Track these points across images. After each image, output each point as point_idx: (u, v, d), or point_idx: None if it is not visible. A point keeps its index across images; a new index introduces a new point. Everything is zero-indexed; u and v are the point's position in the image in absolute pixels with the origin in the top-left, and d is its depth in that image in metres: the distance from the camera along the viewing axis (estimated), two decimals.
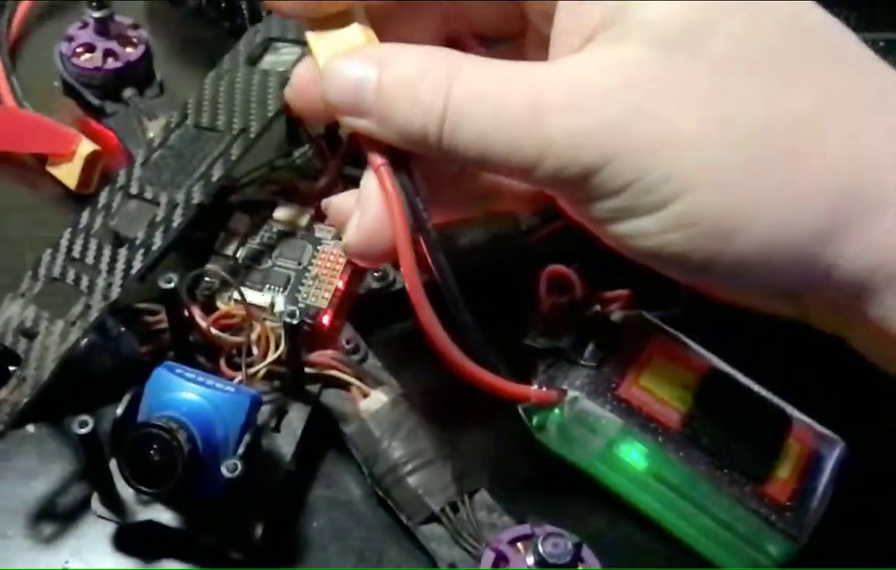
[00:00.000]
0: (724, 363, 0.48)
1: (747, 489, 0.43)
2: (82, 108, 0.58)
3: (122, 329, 0.46)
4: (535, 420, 0.46)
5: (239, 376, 0.44)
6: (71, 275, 0.45)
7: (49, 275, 0.46)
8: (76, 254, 0.46)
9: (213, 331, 0.45)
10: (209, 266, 0.48)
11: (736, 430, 0.45)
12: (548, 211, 0.50)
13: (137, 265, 0.44)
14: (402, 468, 0.44)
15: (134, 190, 0.47)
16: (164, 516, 0.42)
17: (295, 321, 0.42)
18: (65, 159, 0.55)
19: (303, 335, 0.44)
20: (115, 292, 0.43)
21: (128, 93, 0.57)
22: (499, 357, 0.44)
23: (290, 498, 0.45)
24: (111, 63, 0.57)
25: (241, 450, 0.40)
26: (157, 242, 0.44)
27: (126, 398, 0.41)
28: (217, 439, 0.40)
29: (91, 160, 0.55)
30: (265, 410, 0.46)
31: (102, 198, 0.48)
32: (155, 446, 0.38)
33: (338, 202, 0.40)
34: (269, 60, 0.51)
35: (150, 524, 0.42)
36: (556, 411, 0.45)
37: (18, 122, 0.56)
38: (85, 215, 0.47)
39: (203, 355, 0.47)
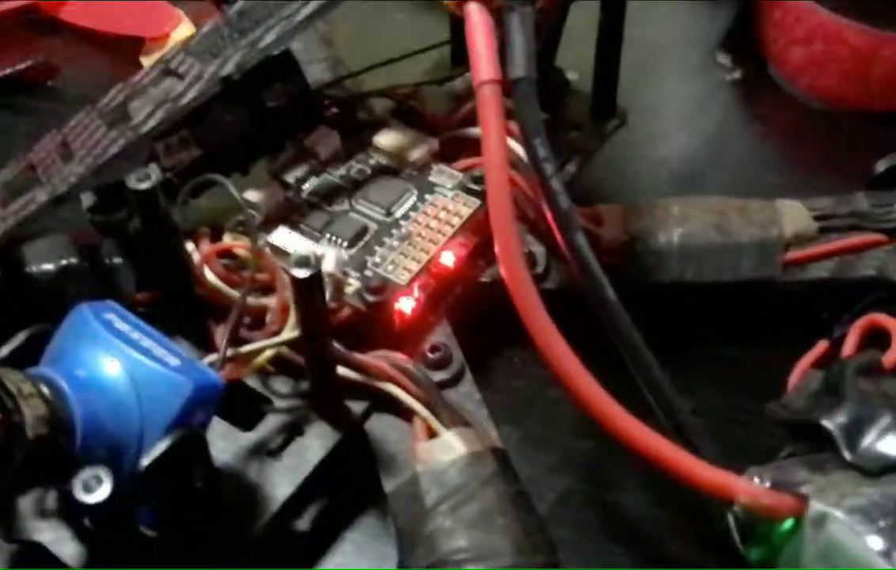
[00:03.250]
0: None
1: None
2: None
3: (119, 261, 0.32)
4: (752, 543, 0.27)
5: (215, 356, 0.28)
6: (48, 162, 0.32)
7: (31, 161, 0.33)
8: (71, 138, 0.33)
9: (207, 273, 0.30)
10: (248, 193, 0.33)
11: None
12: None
13: (113, 150, 0.30)
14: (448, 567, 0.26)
15: (174, 64, 0.34)
16: (64, 545, 0.27)
17: (305, 274, 0.26)
18: (158, 46, 0.43)
19: (322, 300, 0.27)
20: (64, 187, 0.30)
21: None
22: (697, 421, 0.27)
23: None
24: None
25: (146, 460, 0.24)
26: (150, 124, 0.30)
27: (19, 338, 0.27)
28: (126, 432, 0.25)
29: None
30: (272, 424, 0.30)
31: (141, 74, 0.35)
32: None
33: None
34: None
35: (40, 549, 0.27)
36: (788, 529, 0.26)
37: None
38: (112, 93, 0.35)
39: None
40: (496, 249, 0.28)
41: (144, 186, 0.29)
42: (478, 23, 0.28)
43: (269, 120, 0.35)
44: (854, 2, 0.41)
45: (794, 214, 0.34)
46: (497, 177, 0.28)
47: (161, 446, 0.25)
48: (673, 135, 0.41)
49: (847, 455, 0.26)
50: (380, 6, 0.42)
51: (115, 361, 0.26)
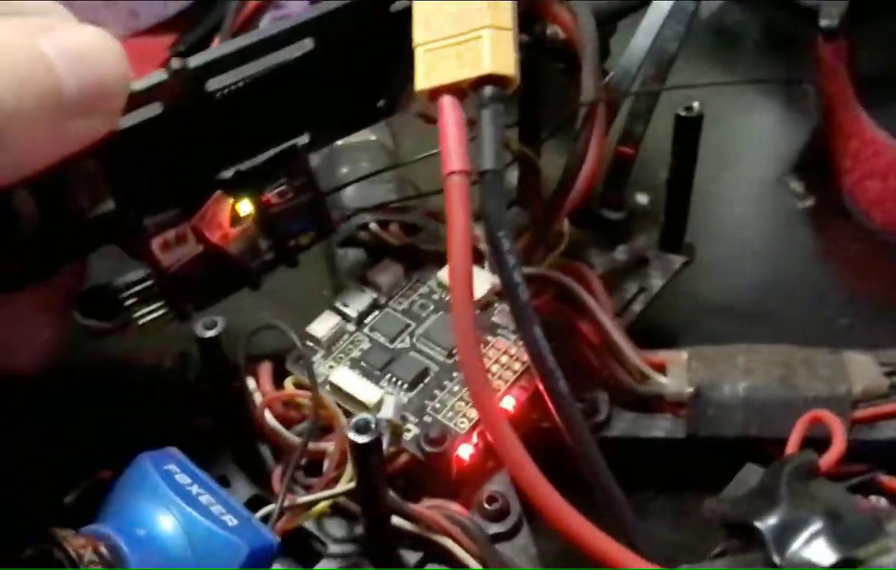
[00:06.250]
0: None
1: None
2: None
3: None
4: None
5: (273, 505, 0.29)
6: None
7: None
8: None
9: (268, 418, 0.31)
10: (310, 327, 0.34)
11: None
12: None
13: None
14: None
15: None
16: None
17: (364, 439, 0.26)
18: None
19: (380, 463, 0.28)
20: None
21: None
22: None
23: None
24: None
25: None
26: None
27: (81, 487, 0.28)
28: None
29: None
30: (324, 568, 0.30)
31: None
32: None
33: None
34: None
35: None
36: None
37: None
38: None
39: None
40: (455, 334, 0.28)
41: (209, 333, 0.29)
42: (450, 115, 0.28)
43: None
44: None
45: (863, 370, 0.34)
46: (460, 260, 0.28)
47: None
48: (740, 267, 0.41)
49: (776, 559, 0.26)
50: None
51: (173, 519, 0.26)
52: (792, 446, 0.31)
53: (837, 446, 0.30)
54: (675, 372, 0.34)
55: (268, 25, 0.32)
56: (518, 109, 0.38)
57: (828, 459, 0.30)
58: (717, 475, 0.32)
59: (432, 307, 0.35)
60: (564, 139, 0.38)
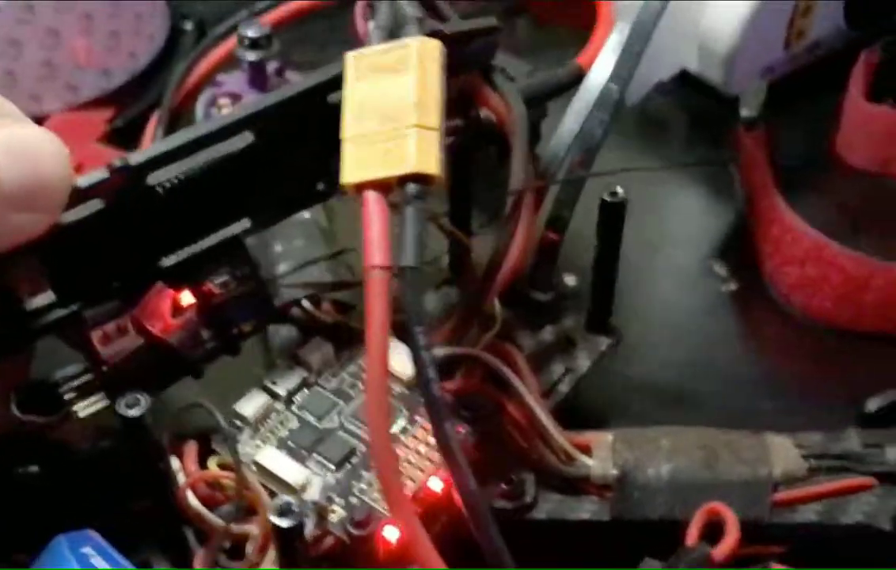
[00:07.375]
0: None
1: None
2: None
3: None
4: None
5: None
6: None
7: None
8: None
9: (190, 498, 0.30)
10: (238, 406, 0.33)
11: None
12: None
13: None
14: None
15: None
16: None
17: (286, 523, 0.26)
18: None
19: (303, 547, 0.27)
20: None
21: None
22: None
23: None
24: None
25: None
26: None
27: None
28: None
29: None
30: None
31: None
32: None
33: None
34: None
35: None
36: None
37: None
38: None
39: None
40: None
41: (131, 413, 0.29)
42: (374, 210, 0.29)
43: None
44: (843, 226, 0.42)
45: (783, 453, 0.34)
46: (376, 354, 0.28)
47: None
48: (665, 349, 0.41)
49: None
50: None
51: None
52: (691, 538, 0.31)
53: (730, 539, 0.31)
54: (600, 454, 0.34)
55: (208, 120, 0.32)
56: (450, 191, 0.38)
57: (721, 550, 0.31)
58: (644, 557, 0.32)
59: (361, 386, 0.35)
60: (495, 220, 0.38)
